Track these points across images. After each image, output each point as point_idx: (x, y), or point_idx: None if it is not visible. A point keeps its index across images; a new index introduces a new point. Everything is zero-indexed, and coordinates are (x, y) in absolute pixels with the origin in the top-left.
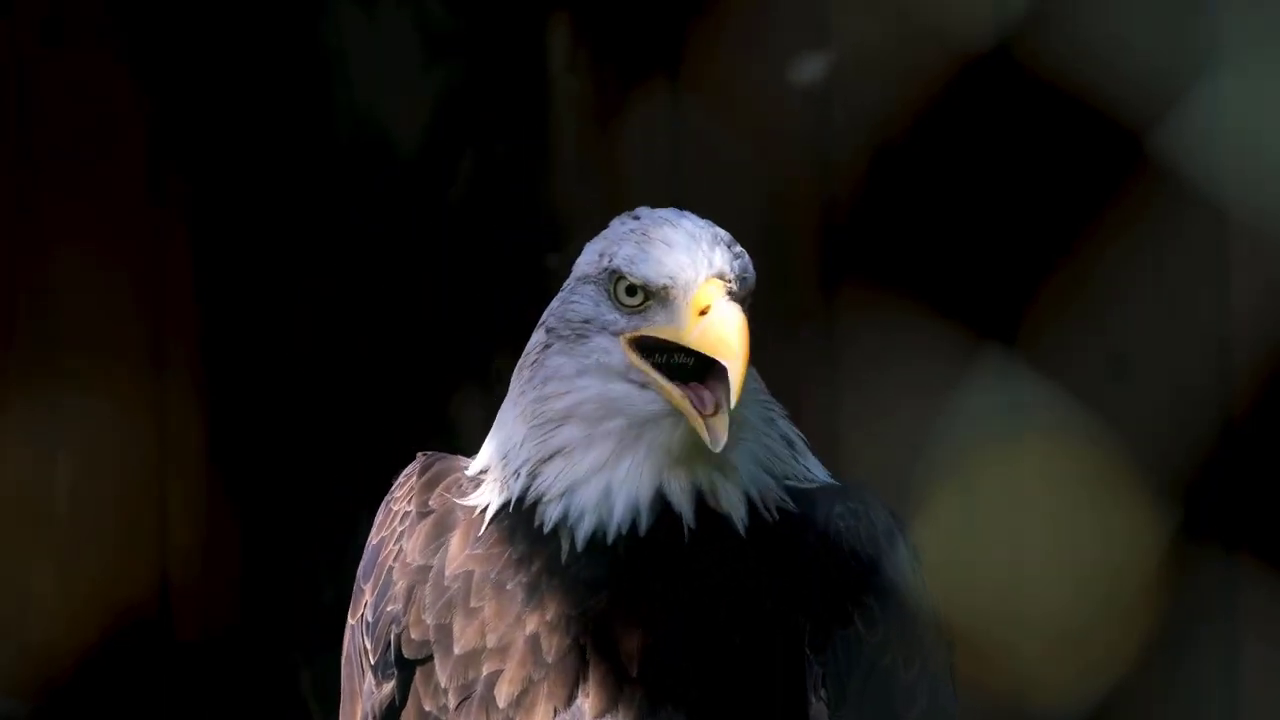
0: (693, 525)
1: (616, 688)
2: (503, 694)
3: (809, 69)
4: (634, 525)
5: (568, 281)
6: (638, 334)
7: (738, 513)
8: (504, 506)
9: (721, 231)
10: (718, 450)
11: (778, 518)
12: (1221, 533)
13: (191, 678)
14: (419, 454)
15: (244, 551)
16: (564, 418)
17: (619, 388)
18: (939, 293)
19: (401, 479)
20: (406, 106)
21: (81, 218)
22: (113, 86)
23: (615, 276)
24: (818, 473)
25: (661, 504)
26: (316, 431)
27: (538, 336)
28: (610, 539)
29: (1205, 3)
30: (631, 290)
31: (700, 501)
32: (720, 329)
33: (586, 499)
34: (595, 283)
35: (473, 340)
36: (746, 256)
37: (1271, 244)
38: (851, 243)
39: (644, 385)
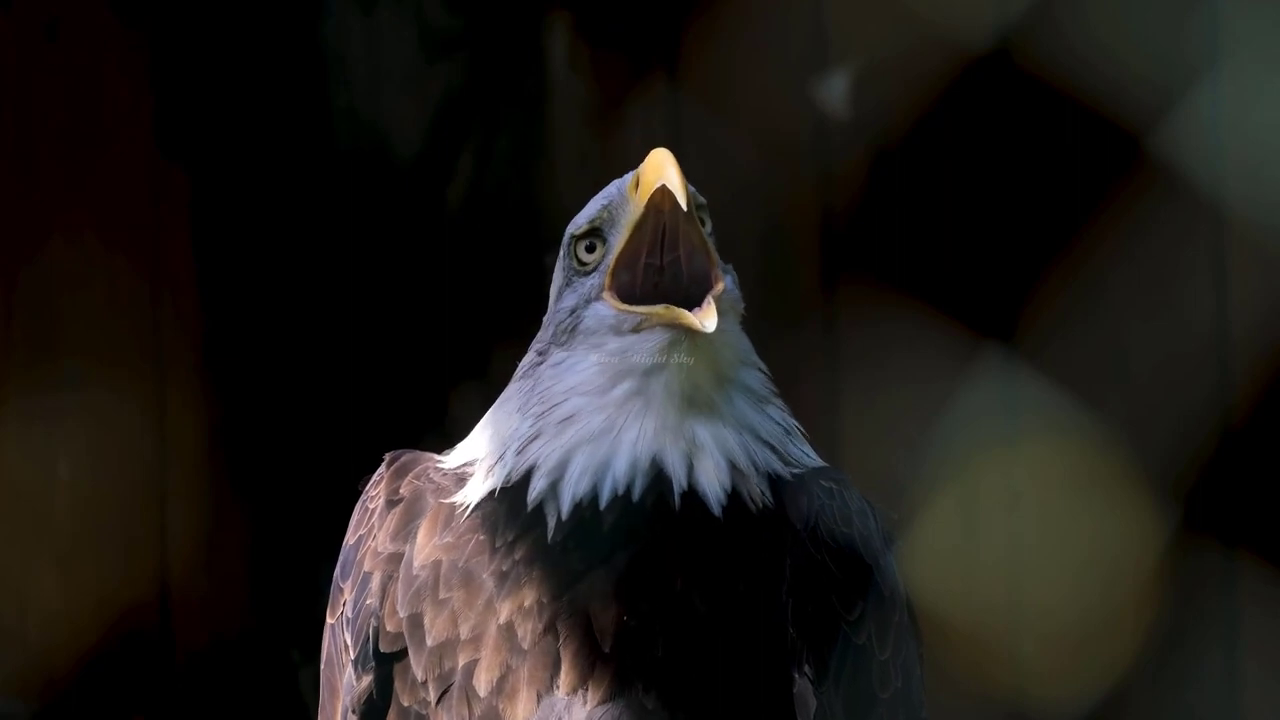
0: (684, 488)
1: (591, 667)
2: (482, 682)
3: (809, 67)
4: (628, 490)
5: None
6: (609, 271)
7: (722, 483)
8: (489, 495)
9: None
10: (711, 330)
11: (767, 494)
12: (1221, 531)
13: (192, 678)
14: (386, 454)
15: (244, 551)
16: (568, 394)
17: (615, 344)
18: (939, 292)
19: (374, 479)
20: (406, 107)
21: (81, 217)
22: (113, 86)
23: (572, 242)
24: (815, 459)
25: (656, 471)
26: (316, 430)
27: (529, 357)
28: (603, 503)
29: (1205, 3)
30: (590, 246)
31: (689, 473)
32: (647, 162)
33: (587, 461)
34: (566, 274)
35: (472, 339)
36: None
37: (1271, 246)
38: (851, 241)
39: (637, 329)
